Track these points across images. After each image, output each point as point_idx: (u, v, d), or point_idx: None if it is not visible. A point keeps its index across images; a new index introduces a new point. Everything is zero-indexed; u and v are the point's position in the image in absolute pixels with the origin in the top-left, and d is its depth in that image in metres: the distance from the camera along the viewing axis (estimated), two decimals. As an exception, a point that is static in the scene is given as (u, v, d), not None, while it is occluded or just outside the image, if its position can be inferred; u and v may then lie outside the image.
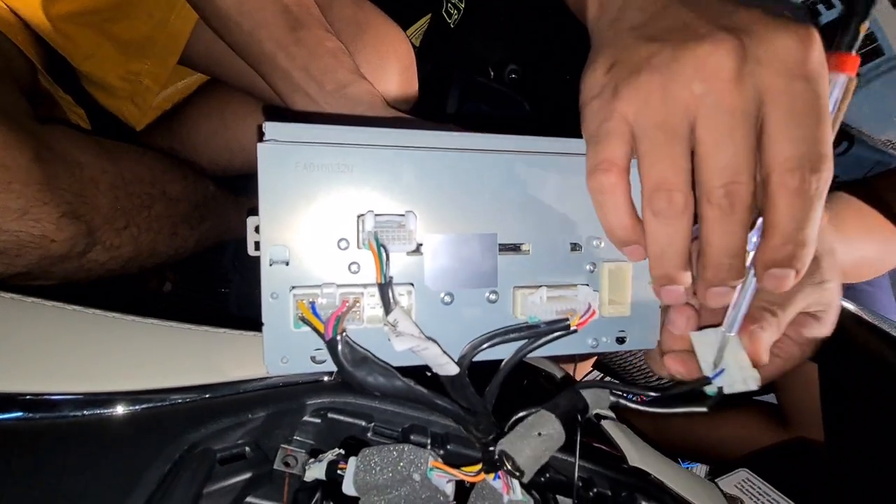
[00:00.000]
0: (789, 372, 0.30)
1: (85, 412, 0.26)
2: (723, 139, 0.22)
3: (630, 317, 0.27)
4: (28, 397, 0.25)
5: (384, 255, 0.21)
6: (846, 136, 0.55)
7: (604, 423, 0.38)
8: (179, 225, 0.45)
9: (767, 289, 0.24)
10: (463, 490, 0.24)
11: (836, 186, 0.58)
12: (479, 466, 0.23)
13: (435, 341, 0.22)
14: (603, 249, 0.27)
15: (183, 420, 0.26)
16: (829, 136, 0.22)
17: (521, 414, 0.24)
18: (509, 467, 0.21)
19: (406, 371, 0.23)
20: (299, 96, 0.46)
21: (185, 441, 0.25)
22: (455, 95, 0.77)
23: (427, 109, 0.64)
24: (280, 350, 0.23)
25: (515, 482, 0.22)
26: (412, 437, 0.28)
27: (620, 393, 0.25)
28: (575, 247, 0.26)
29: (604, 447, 0.36)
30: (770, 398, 0.75)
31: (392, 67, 0.54)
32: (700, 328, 0.27)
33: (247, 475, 0.25)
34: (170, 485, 0.23)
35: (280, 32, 0.44)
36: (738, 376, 0.25)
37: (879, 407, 0.49)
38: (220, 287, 0.56)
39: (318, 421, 0.27)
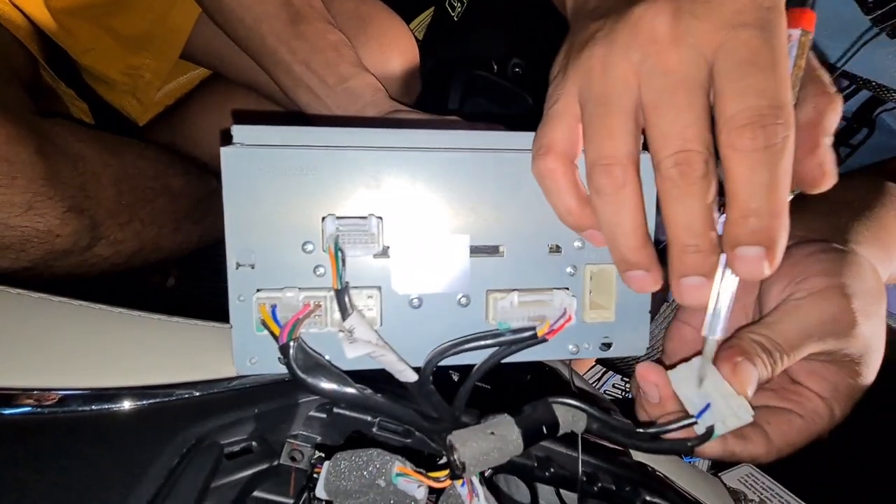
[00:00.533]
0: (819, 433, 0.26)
1: (93, 407, 0.26)
2: (664, 103, 0.20)
3: (615, 322, 0.26)
4: (36, 392, 0.27)
5: (340, 258, 0.21)
6: (867, 123, 0.51)
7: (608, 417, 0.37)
8: (182, 220, 0.46)
9: (740, 276, 0.21)
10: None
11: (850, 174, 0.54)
12: (446, 472, 0.22)
13: (392, 349, 0.22)
14: (585, 251, 0.26)
15: (189, 414, 0.26)
16: (786, 84, 0.20)
17: (489, 417, 0.23)
18: (453, 458, 0.20)
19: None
20: (302, 91, 0.46)
21: (192, 435, 0.25)
22: (458, 90, 0.76)
23: (429, 104, 0.63)
24: (248, 351, 0.23)
25: (480, 490, 0.22)
26: (416, 434, 0.27)
27: (599, 418, 0.23)
28: (555, 248, 0.25)
29: (607, 443, 0.35)
30: None
31: (395, 61, 0.53)
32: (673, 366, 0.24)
33: (253, 469, 0.25)
34: (177, 478, 0.23)
35: (281, 26, 0.44)
36: (727, 410, 0.22)
37: (885, 403, 0.47)
38: (223, 282, 0.57)
39: (324, 416, 0.27)
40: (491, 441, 0.20)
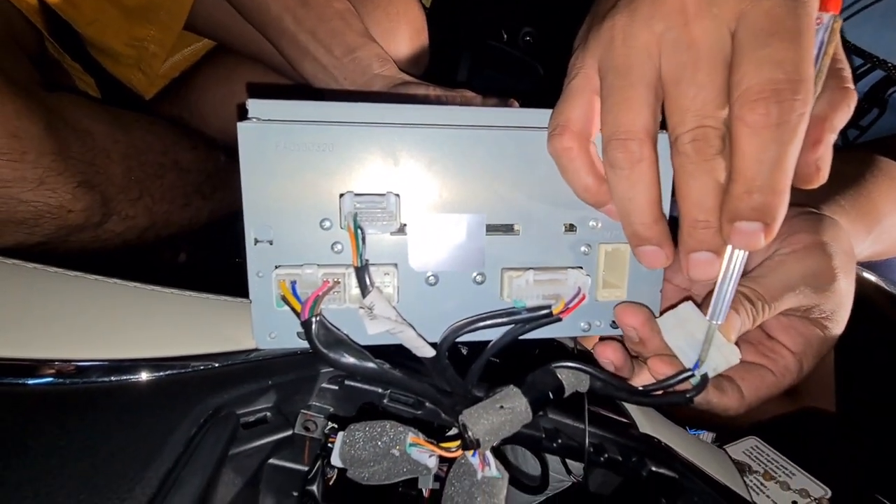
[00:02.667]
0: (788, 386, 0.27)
1: (112, 378, 0.27)
2: (685, 78, 0.20)
3: (627, 300, 0.27)
4: (56, 363, 0.27)
5: (360, 236, 0.21)
6: (878, 103, 0.50)
7: None
8: (192, 195, 0.46)
9: (737, 246, 0.21)
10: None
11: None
12: (457, 443, 0.23)
13: (411, 325, 0.22)
14: (600, 230, 0.26)
15: (207, 385, 0.26)
16: (808, 57, 0.19)
17: (499, 389, 0.24)
18: (468, 436, 0.21)
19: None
20: (308, 62, 0.45)
21: (210, 405, 0.25)
22: (467, 60, 0.75)
23: (438, 74, 0.62)
24: (268, 326, 0.24)
25: (491, 459, 0.23)
26: (427, 405, 0.28)
27: (600, 377, 0.24)
28: (570, 227, 0.25)
29: (613, 415, 0.36)
30: None
31: (403, 30, 0.52)
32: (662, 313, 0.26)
33: (269, 438, 0.26)
34: (196, 447, 0.24)
35: None
36: (719, 357, 0.23)
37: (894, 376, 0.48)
38: (235, 257, 0.58)
39: (336, 388, 0.27)
40: (501, 415, 0.21)
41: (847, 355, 0.56)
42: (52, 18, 0.46)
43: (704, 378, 0.23)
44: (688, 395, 0.24)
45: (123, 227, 0.38)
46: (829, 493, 0.42)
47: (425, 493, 0.30)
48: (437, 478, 0.29)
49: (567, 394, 0.24)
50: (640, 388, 0.25)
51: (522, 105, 0.46)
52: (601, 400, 0.36)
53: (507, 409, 0.21)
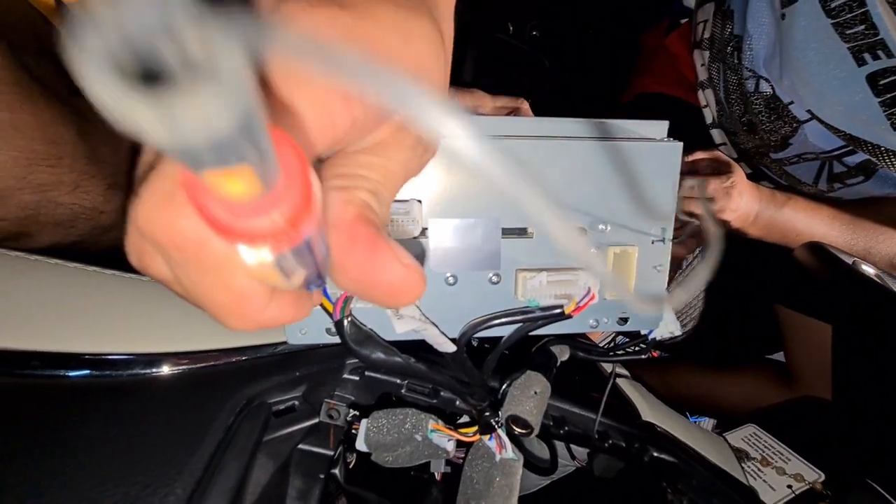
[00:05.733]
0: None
1: (153, 370, 0.28)
2: None
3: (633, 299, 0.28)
4: (100, 356, 0.29)
5: (389, 242, 0.23)
6: (866, 172, 0.55)
7: (619, 381, 0.40)
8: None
9: None
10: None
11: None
12: (475, 428, 0.25)
13: (434, 323, 0.24)
14: (608, 234, 0.27)
15: (241, 377, 0.28)
16: None
17: (514, 376, 0.26)
18: (519, 429, 0.23)
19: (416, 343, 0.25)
20: None
21: (244, 395, 0.27)
22: (473, 53, 0.75)
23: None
24: (299, 323, 0.25)
25: (508, 442, 0.24)
26: (442, 394, 0.30)
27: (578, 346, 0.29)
28: (580, 231, 0.27)
29: (615, 403, 0.38)
30: (779, 356, 0.75)
31: None
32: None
33: (298, 426, 0.28)
34: (234, 433, 0.26)
35: None
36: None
37: (891, 366, 0.50)
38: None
39: (357, 378, 0.29)
40: (537, 398, 0.23)
41: (846, 345, 0.57)
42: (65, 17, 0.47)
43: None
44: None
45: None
46: (823, 477, 0.44)
47: (437, 477, 0.33)
48: (447, 462, 0.32)
49: (559, 363, 0.28)
50: (608, 349, 0.30)
51: (527, 98, 0.47)
52: (607, 389, 0.38)
53: (539, 392, 0.23)
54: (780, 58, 0.53)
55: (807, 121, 0.56)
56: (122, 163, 0.36)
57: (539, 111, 0.43)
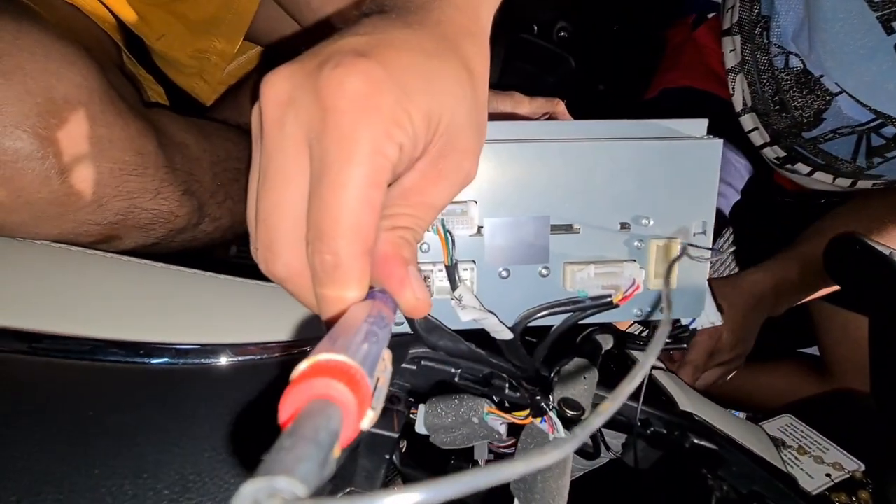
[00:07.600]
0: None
1: (222, 359, 0.30)
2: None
3: (675, 289, 0.30)
4: (179, 346, 0.30)
5: (450, 240, 0.25)
6: None
7: (654, 372, 0.42)
8: (261, 195, 0.50)
9: None
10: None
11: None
12: (527, 411, 0.27)
13: (493, 313, 0.26)
14: (651, 227, 0.29)
15: None
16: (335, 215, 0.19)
17: (563, 362, 0.28)
18: (571, 411, 0.25)
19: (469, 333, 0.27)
20: None
21: None
22: (500, 53, 0.77)
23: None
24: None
25: (559, 423, 0.26)
26: (493, 382, 0.32)
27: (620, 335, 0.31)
28: (624, 226, 0.29)
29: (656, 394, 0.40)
30: (813, 351, 0.75)
31: None
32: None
33: None
34: None
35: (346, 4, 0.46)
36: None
37: None
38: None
39: (414, 367, 0.31)
40: (587, 384, 0.25)
41: (884, 336, 0.57)
42: (126, 35, 0.51)
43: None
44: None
45: (213, 227, 0.43)
46: (863, 467, 0.44)
47: (481, 465, 0.35)
48: (490, 451, 0.34)
49: (603, 350, 0.30)
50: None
51: (553, 95, 0.48)
52: (645, 378, 0.40)
53: (589, 378, 0.25)
54: (808, 30, 0.53)
55: (839, 93, 0.55)
56: (192, 169, 0.40)
57: (566, 110, 0.45)
